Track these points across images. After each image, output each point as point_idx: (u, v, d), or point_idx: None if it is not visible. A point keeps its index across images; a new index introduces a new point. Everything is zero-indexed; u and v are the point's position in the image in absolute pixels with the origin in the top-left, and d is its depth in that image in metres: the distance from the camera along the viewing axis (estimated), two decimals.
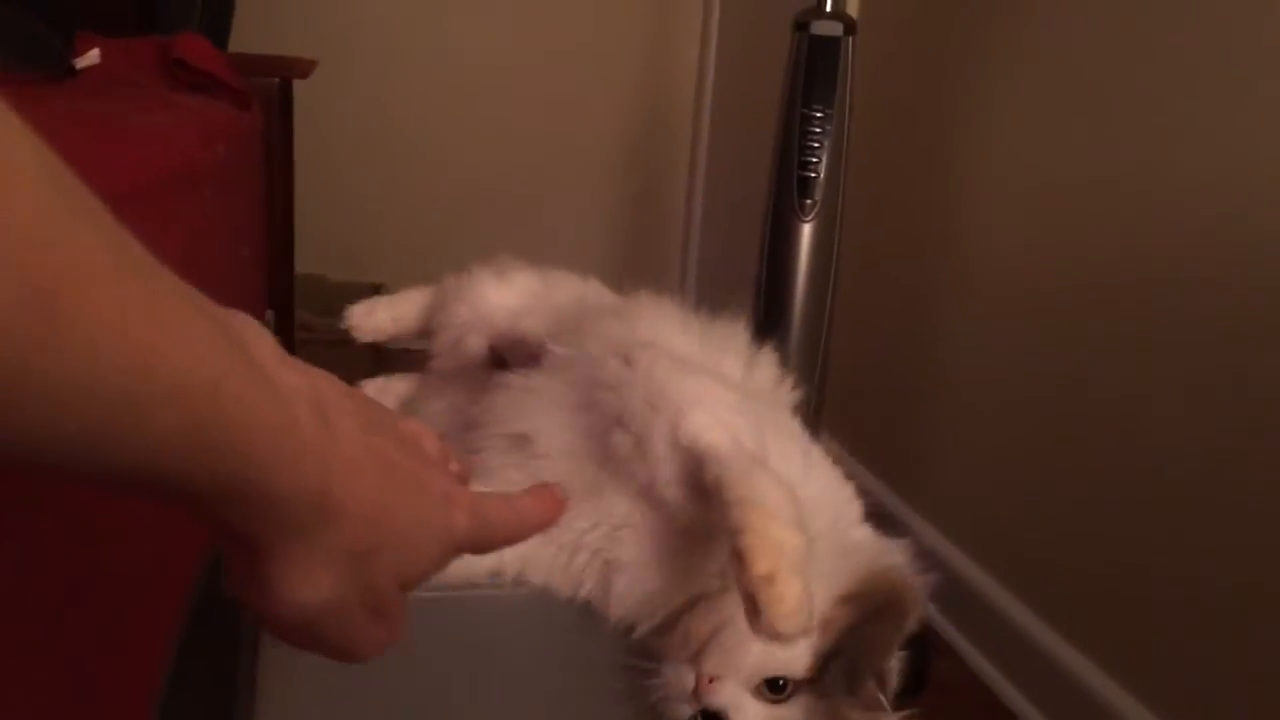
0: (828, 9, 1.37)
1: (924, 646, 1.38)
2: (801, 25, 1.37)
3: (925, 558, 0.64)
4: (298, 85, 1.48)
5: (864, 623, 0.61)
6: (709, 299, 2.41)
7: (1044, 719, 1.26)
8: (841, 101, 1.36)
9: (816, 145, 1.37)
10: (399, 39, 2.11)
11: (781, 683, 0.60)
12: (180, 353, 0.29)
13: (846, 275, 1.43)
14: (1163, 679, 1.12)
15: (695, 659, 0.60)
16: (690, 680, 0.60)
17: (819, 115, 1.36)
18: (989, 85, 1.47)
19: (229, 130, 1.06)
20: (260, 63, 1.41)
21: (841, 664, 0.60)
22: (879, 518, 1.70)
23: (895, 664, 0.65)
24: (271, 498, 0.34)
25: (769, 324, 1.41)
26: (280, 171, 1.42)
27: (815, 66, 1.36)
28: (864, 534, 0.70)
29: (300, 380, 0.37)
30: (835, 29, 1.35)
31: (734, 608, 0.55)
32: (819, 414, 1.45)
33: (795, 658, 0.60)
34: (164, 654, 0.69)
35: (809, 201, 1.38)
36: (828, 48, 1.35)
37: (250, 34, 1.90)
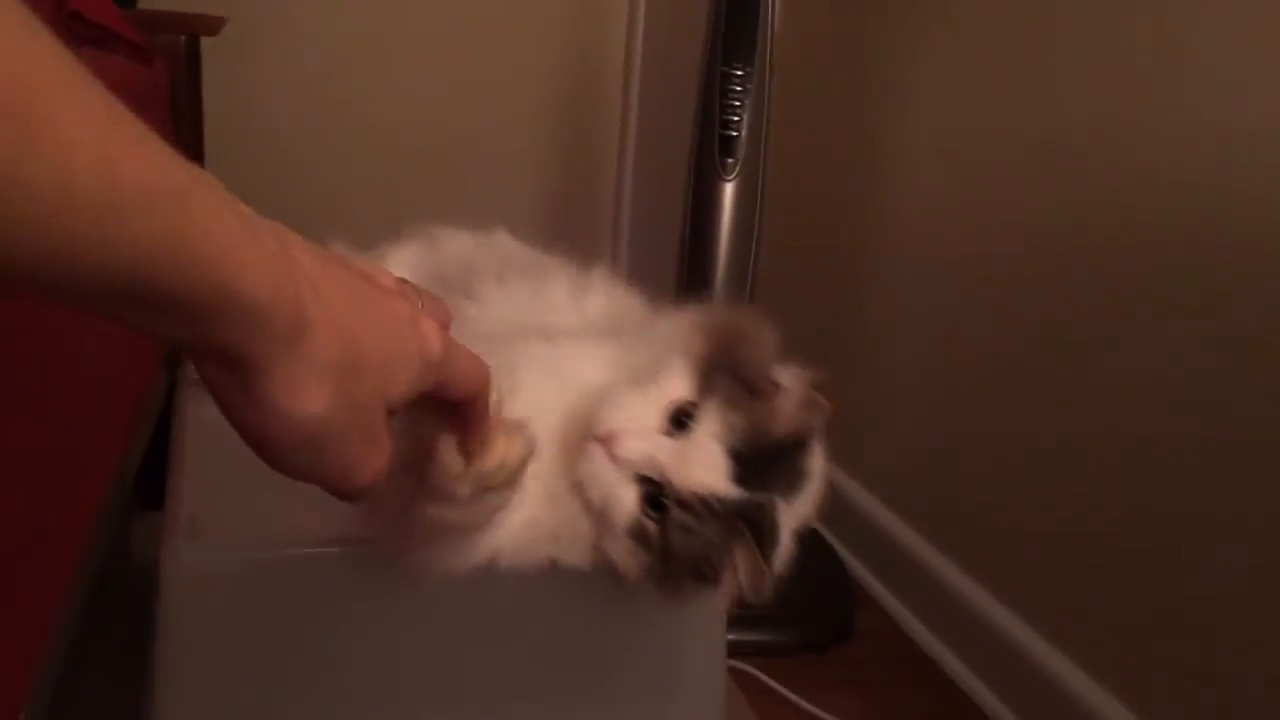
0: None
1: (848, 597, 1.40)
2: None
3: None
4: (207, 43, 1.44)
5: (723, 346, 0.63)
6: (642, 259, 2.41)
7: (965, 668, 1.28)
8: (762, 59, 1.36)
9: (737, 104, 1.36)
10: None
11: (682, 417, 0.60)
12: (144, 163, 0.32)
13: (770, 235, 1.43)
14: (1074, 622, 1.15)
15: (588, 439, 0.59)
16: (598, 453, 0.59)
17: (739, 73, 1.35)
18: (915, 41, 1.47)
19: (128, 87, 1.02)
20: (165, 19, 1.36)
21: (726, 378, 0.61)
22: None
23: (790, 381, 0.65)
24: (252, 306, 0.36)
25: (692, 284, 1.41)
26: (189, 134, 1.38)
27: (735, 24, 1.35)
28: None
29: (243, 207, 0.38)
30: None
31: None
32: None
33: (675, 384, 0.61)
34: (51, 609, 0.68)
35: (730, 160, 1.37)
36: (747, 5, 1.34)
37: None
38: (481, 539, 0.60)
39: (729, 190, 1.38)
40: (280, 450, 0.41)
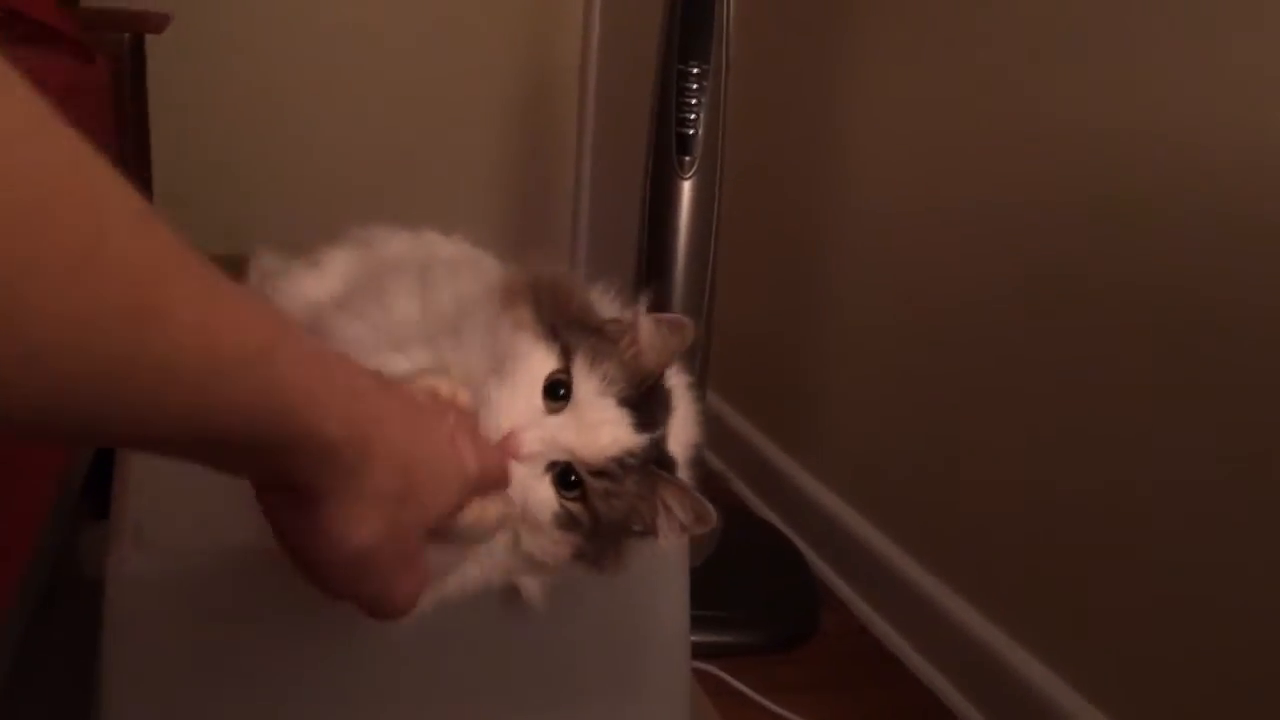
0: None
1: (812, 597, 1.40)
2: None
3: None
4: (152, 41, 1.40)
5: (539, 301, 0.61)
6: (601, 259, 2.39)
7: (929, 665, 1.29)
8: (718, 57, 1.35)
9: (694, 102, 1.36)
10: None
11: (558, 390, 0.58)
12: (240, 328, 0.34)
13: (730, 232, 1.43)
14: (1039, 619, 1.15)
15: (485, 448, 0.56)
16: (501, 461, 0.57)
17: (695, 71, 1.35)
18: (872, 38, 1.48)
19: (68, 86, 0.99)
20: (108, 16, 1.33)
21: (573, 333, 0.59)
22: (771, 477, 1.71)
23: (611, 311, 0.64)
24: (325, 443, 0.38)
25: (651, 283, 1.40)
26: (133, 134, 1.35)
27: (690, 22, 1.34)
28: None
29: (316, 342, 0.41)
30: None
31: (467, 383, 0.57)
32: (704, 372, 1.44)
33: (538, 361, 0.58)
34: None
35: (688, 159, 1.36)
36: (703, 3, 1.34)
37: None
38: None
39: (686, 189, 1.37)
40: (326, 571, 0.43)
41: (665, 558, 0.72)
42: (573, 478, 0.58)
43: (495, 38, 2.22)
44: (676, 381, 0.65)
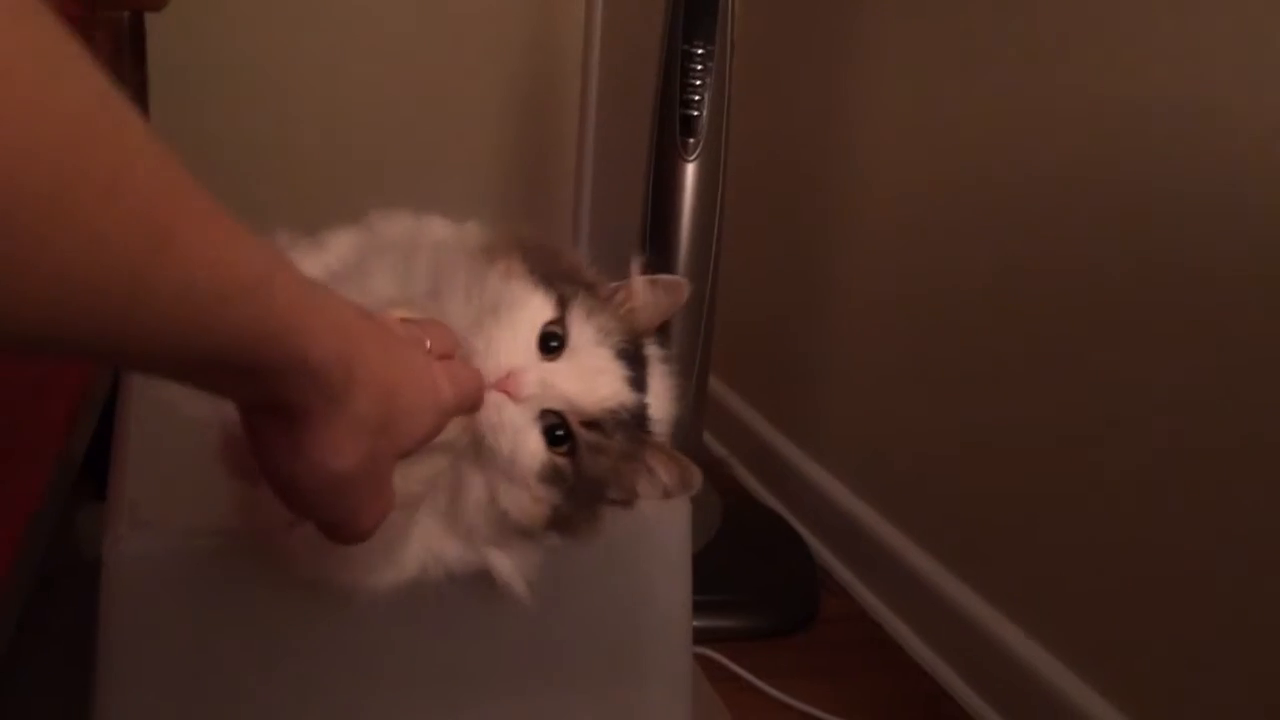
0: None
1: (813, 582, 1.40)
2: None
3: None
4: (152, 18, 1.39)
5: (526, 255, 0.59)
6: (604, 242, 2.38)
7: (930, 650, 1.28)
8: (723, 37, 1.34)
9: (698, 83, 1.34)
10: None
11: (551, 340, 0.57)
12: (243, 253, 0.36)
13: (734, 216, 1.42)
14: (1047, 608, 1.15)
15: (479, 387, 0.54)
16: (500, 400, 0.55)
17: (700, 52, 1.33)
18: (879, 18, 1.46)
19: None
20: None
21: (568, 286, 0.58)
22: (773, 462, 1.70)
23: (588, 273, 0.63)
24: (314, 366, 0.40)
25: (655, 265, 1.38)
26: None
27: (695, 2, 1.33)
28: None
29: (302, 273, 0.42)
30: None
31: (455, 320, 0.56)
32: (706, 356, 1.44)
33: (535, 307, 0.56)
34: None
35: (692, 141, 1.35)
36: None
37: None
38: (386, 556, 0.57)
39: (690, 171, 1.36)
40: (303, 494, 0.44)
41: (667, 542, 0.71)
42: (559, 433, 0.56)
43: (498, 18, 2.20)
44: (653, 353, 0.63)
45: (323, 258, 0.75)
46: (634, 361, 0.59)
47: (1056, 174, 1.13)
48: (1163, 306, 1.00)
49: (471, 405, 0.53)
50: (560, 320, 0.57)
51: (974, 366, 1.25)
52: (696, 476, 0.60)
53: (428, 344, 0.51)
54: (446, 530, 0.59)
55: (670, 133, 1.36)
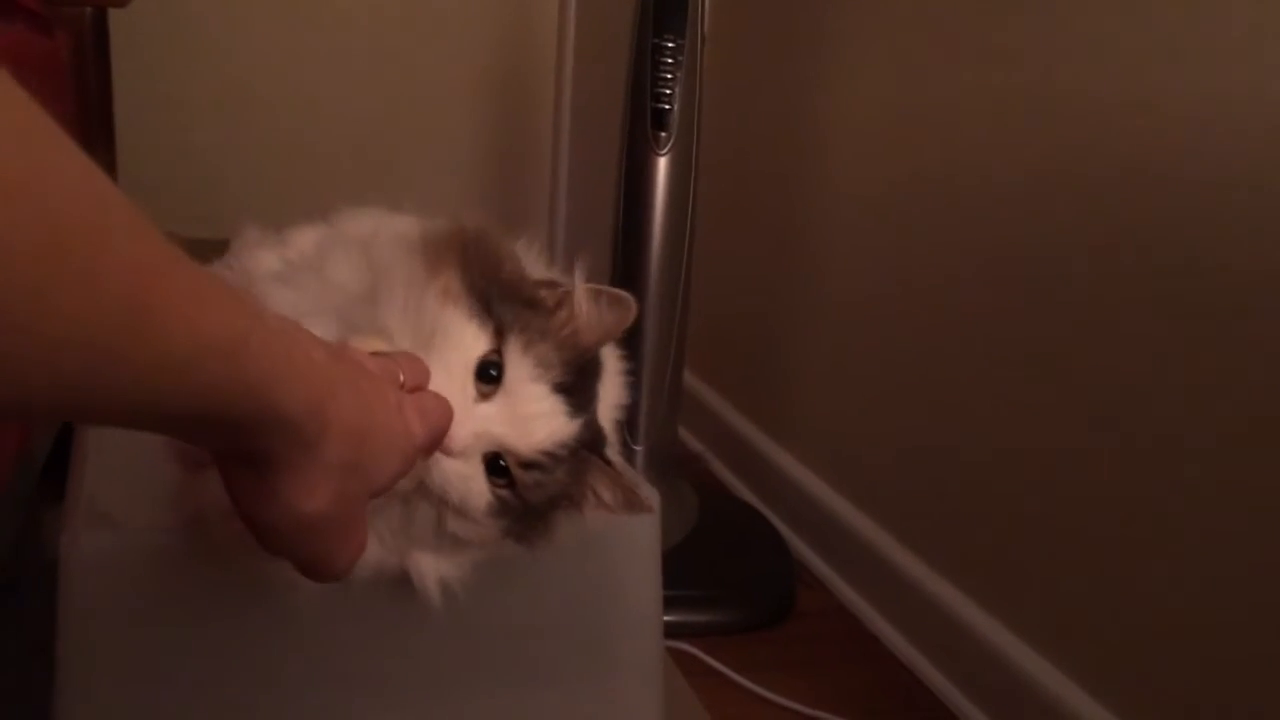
0: None
1: (790, 576, 1.40)
2: None
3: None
4: (115, 15, 1.37)
5: (468, 263, 0.57)
6: (580, 236, 2.37)
7: (907, 642, 1.28)
8: (693, 30, 1.33)
9: (669, 76, 1.34)
10: None
11: (490, 370, 0.55)
12: (219, 315, 0.37)
13: (707, 209, 1.41)
14: (1023, 600, 1.15)
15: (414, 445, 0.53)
16: (438, 458, 0.54)
17: (670, 45, 1.33)
18: (849, 12, 1.46)
19: (25, 59, 0.96)
20: None
21: (505, 306, 0.56)
22: (749, 456, 1.70)
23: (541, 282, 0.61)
24: (287, 419, 0.41)
25: (628, 260, 1.39)
26: (97, 109, 1.32)
27: None
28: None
29: (277, 321, 0.43)
30: None
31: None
32: (681, 351, 1.43)
33: (469, 342, 0.55)
34: None
35: (663, 134, 1.35)
36: None
37: None
38: None
39: (662, 165, 1.36)
40: (276, 536, 0.45)
41: (637, 536, 0.71)
42: (501, 462, 0.56)
43: (471, 12, 2.19)
44: (608, 354, 0.63)
45: (284, 252, 0.74)
46: (577, 384, 0.57)
47: (1030, 169, 1.13)
48: (1137, 303, 1.00)
49: (439, 439, 0.53)
50: (498, 350, 0.55)
51: (947, 359, 1.25)
52: (643, 502, 0.59)
53: (401, 378, 0.51)
54: (393, 537, 0.59)
55: (642, 127, 1.36)
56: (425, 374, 0.53)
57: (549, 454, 0.56)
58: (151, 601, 0.61)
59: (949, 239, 1.25)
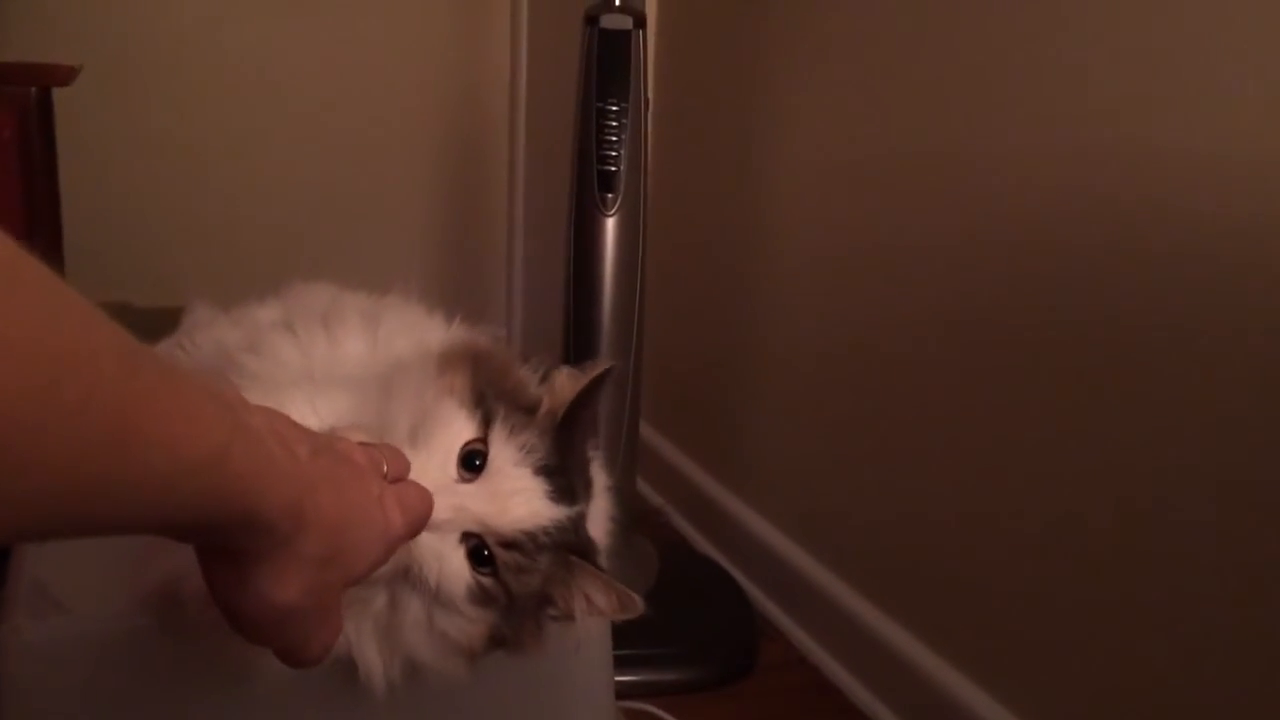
0: (616, 3, 1.36)
1: (751, 630, 1.40)
2: (591, 19, 1.36)
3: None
4: (60, 94, 1.38)
5: (476, 370, 0.60)
6: (536, 300, 2.37)
7: (869, 694, 1.28)
8: (636, 94, 1.36)
9: (614, 139, 1.36)
10: (184, 41, 1.98)
11: (474, 459, 0.57)
12: (201, 428, 0.38)
13: (658, 266, 1.43)
14: (983, 651, 1.15)
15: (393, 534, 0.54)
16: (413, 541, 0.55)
17: (614, 109, 1.35)
18: (794, 70, 1.50)
19: None
20: (12, 70, 1.30)
21: (498, 403, 0.59)
22: (708, 509, 1.70)
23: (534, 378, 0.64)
24: (263, 522, 0.42)
25: (580, 319, 1.40)
26: (43, 187, 1.32)
27: (607, 60, 1.35)
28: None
29: (262, 419, 0.44)
30: (625, 22, 1.35)
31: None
32: (635, 405, 1.44)
33: (456, 428, 0.57)
34: None
35: (610, 196, 1.37)
36: (618, 41, 1.35)
37: (17, 42, 1.76)
38: None
39: (610, 225, 1.38)
40: (250, 624, 0.46)
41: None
42: (486, 552, 0.56)
43: (422, 81, 2.21)
44: (596, 473, 0.64)
45: (236, 335, 0.75)
46: (563, 469, 0.58)
47: (978, 224, 1.15)
48: (1080, 347, 1.02)
49: (418, 528, 0.54)
50: (483, 439, 0.57)
51: (901, 411, 1.27)
52: (636, 604, 0.60)
53: (385, 468, 0.52)
54: (380, 639, 0.59)
55: (589, 189, 1.38)
56: (407, 466, 0.55)
57: (529, 535, 0.56)
58: (100, 695, 0.60)
59: (899, 291, 1.27)
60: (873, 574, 1.32)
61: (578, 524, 0.59)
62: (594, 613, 0.60)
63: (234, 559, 0.44)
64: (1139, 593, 0.96)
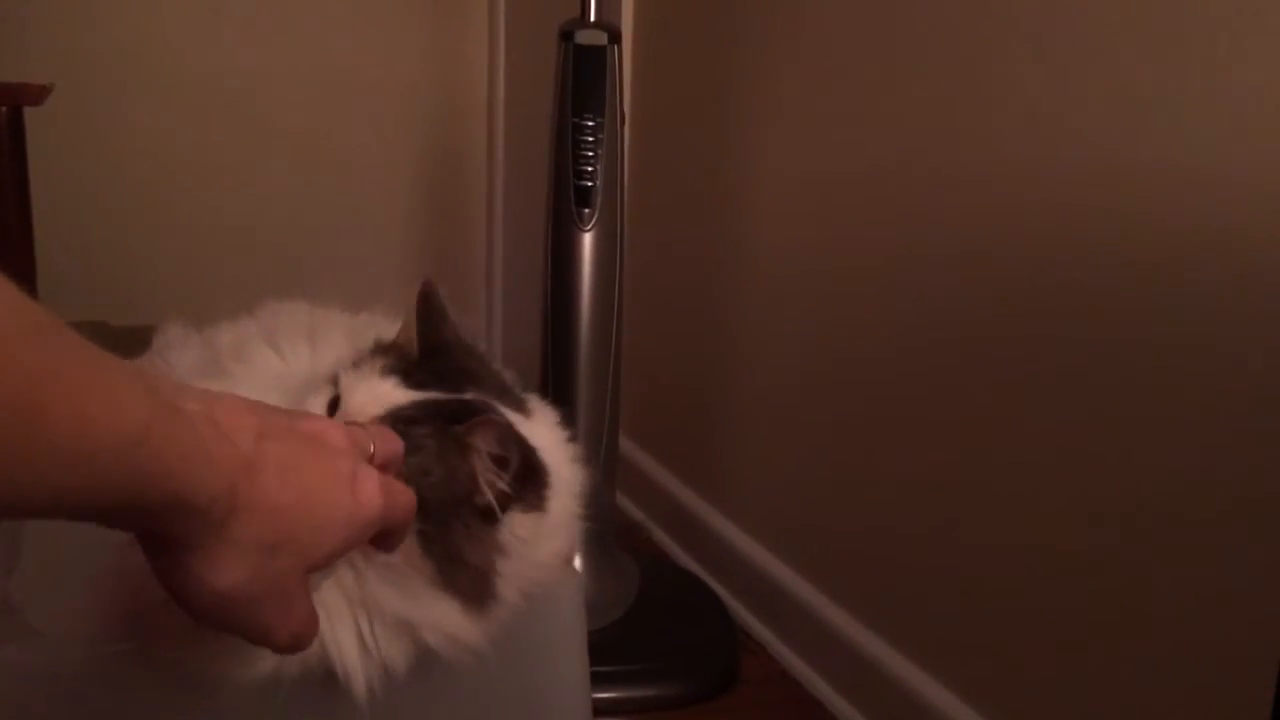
0: (591, 19, 1.37)
1: (733, 645, 1.39)
2: (566, 35, 1.36)
3: None
4: (31, 113, 1.37)
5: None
6: (516, 316, 2.37)
7: (851, 708, 1.28)
8: (611, 109, 1.36)
9: (590, 154, 1.36)
10: (157, 59, 1.97)
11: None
12: (118, 412, 0.38)
13: (636, 280, 1.43)
14: (965, 664, 1.15)
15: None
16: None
17: (590, 124, 1.36)
18: (764, 82, 1.50)
19: None
20: None
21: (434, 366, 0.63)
22: (688, 523, 1.69)
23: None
24: (192, 507, 0.42)
25: (558, 334, 1.40)
26: (14, 208, 1.31)
27: (582, 76, 1.35)
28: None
29: (198, 405, 0.44)
30: (599, 38, 1.35)
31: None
32: (615, 420, 1.44)
33: (386, 393, 0.60)
34: None
35: (587, 211, 1.37)
36: (593, 57, 1.35)
37: None
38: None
39: (587, 240, 1.38)
40: (197, 610, 0.46)
41: (562, 617, 0.71)
42: None
43: (401, 96, 2.21)
44: (534, 401, 0.68)
45: (206, 353, 0.75)
46: (422, 370, 0.62)
47: (954, 234, 1.16)
48: (1062, 360, 1.03)
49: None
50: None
51: (881, 424, 1.27)
52: (525, 446, 0.59)
53: (371, 448, 0.52)
54: (355, 610, 0.58)
55: (566, 204, 1.38)
56: (399, 447, 0.54)
57: (383, 419, 0.58)
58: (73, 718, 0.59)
59: (877, 302, 1.27)
60: (854, 587, 1.32)
61: (459, 406, 0.60)
62: (495, 475, 0.58)
63: (168, 545, 0.44)
64: (1120, 605, 0.96)
